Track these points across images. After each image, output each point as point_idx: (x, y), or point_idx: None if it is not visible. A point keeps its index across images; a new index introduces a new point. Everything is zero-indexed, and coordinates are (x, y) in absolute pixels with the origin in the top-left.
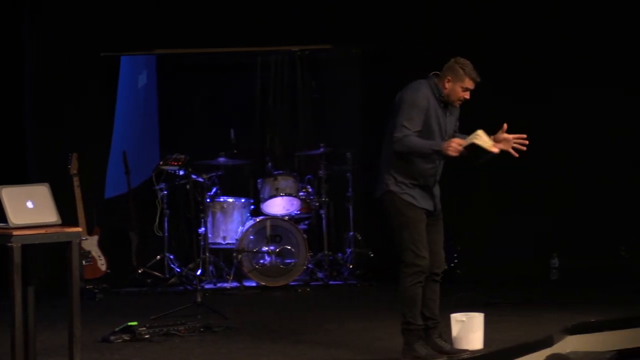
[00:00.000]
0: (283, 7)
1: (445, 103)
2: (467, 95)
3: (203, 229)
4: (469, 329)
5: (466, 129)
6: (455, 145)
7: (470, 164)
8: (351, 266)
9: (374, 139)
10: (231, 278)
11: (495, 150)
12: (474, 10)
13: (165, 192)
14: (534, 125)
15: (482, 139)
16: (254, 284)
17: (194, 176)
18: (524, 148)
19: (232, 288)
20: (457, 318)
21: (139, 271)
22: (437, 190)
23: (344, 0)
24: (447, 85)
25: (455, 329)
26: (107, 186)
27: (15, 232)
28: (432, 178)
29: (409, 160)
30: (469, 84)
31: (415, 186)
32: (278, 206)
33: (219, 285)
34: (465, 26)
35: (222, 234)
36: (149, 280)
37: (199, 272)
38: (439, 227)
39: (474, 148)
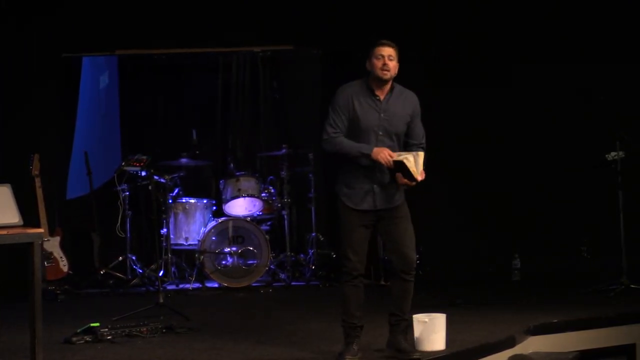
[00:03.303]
0: (244, 8)
1: (376, 92)
2: (385, 62)
3: (165, 229)
4: (431, 329)
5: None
6: (386, 154)
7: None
8: (313, 267)
9: None
10: (193, 279)
11: (419, 178)
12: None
13: (127, 193)
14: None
15: (411, 163)
16: (216, 285)
17: (156, 177)
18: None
19: (194, 289)
20: (419, 319)
21: (101, 272)
22: (385, 189)
23: (305, 2)
24: (368, 67)
25: (417, 330)
26: (68, 187)
27: None
28: (368, 180)
29: (346, 163)
30: (380, 51)
31: (353, 187)
32: (240, 207)
33: (181, 286)
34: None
35: (184, 235)
36: (111, 281)
37: (161, 273)
38: (400, 226)
39: (402, 167)
